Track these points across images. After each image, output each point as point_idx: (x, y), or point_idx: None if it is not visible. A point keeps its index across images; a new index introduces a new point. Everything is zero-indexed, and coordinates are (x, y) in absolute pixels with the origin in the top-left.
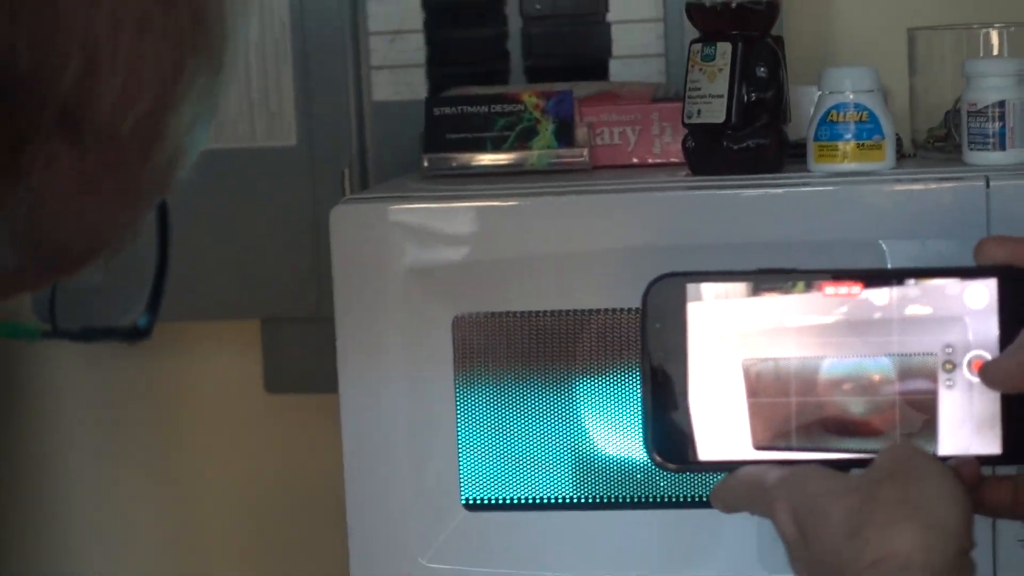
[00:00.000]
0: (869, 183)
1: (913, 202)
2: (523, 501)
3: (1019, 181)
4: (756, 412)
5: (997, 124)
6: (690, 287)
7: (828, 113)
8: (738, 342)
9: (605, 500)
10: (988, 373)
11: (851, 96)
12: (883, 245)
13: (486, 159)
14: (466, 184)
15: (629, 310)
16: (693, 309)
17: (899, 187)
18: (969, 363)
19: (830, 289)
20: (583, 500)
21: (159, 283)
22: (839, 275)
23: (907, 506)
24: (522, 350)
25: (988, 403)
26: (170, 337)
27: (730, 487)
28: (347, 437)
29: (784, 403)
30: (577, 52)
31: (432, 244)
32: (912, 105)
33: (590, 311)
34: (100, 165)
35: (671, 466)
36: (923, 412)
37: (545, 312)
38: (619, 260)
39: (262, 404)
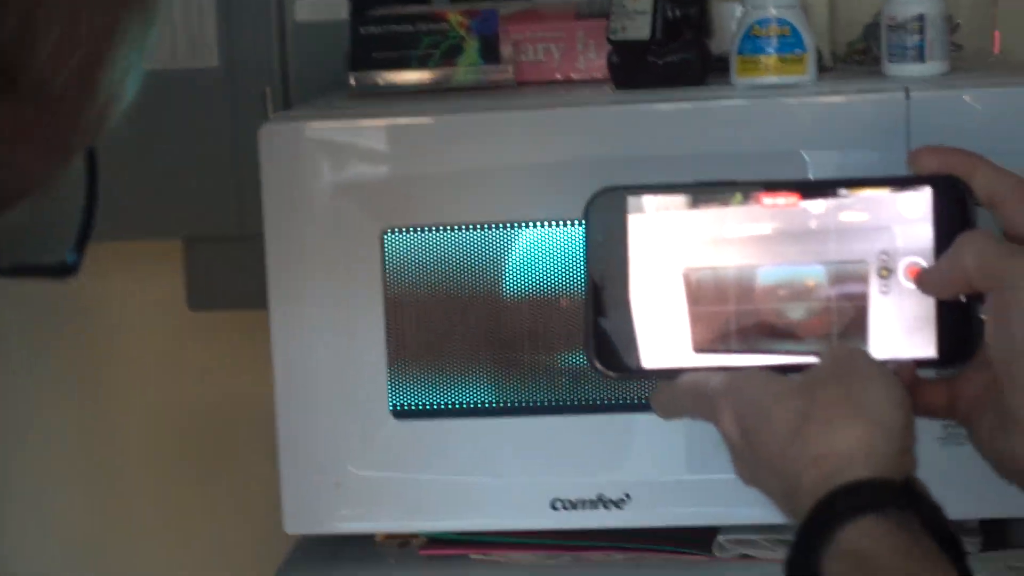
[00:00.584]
0: (791, 96)
1: (835, 114)
2: (449, 407)
3: (938, 92)
4: (696, 320)
5: (916, 37)
6: (631, 199)
7: (751, 28)
8: (678, 252)
9: (528, 406)
10: (923, 280)
11: (773, 11)
12: (805, 156)
13: (412, 77)
14: (393, 102)
15: (555, 222)
16: (634, 221)
17: (821, 99)
18: (904, 270)
19: (768, 200)
20: (507, 406)
21: (87, 222)
22: (776, 186)
23: (849, 404)
24: (449, 263)
25: (923, 309)
26: (92, 257)
27: (672, 393)
28: (277, 350)
29: (724, 311)
30: None
31: (360, 161)
32: (832, 19)
33: (515, 223)
34: (34, 116)
35: (613, 374)
36: (859, 318)
37: (471, 225)
38: (546, 174)
39: (186, 322)
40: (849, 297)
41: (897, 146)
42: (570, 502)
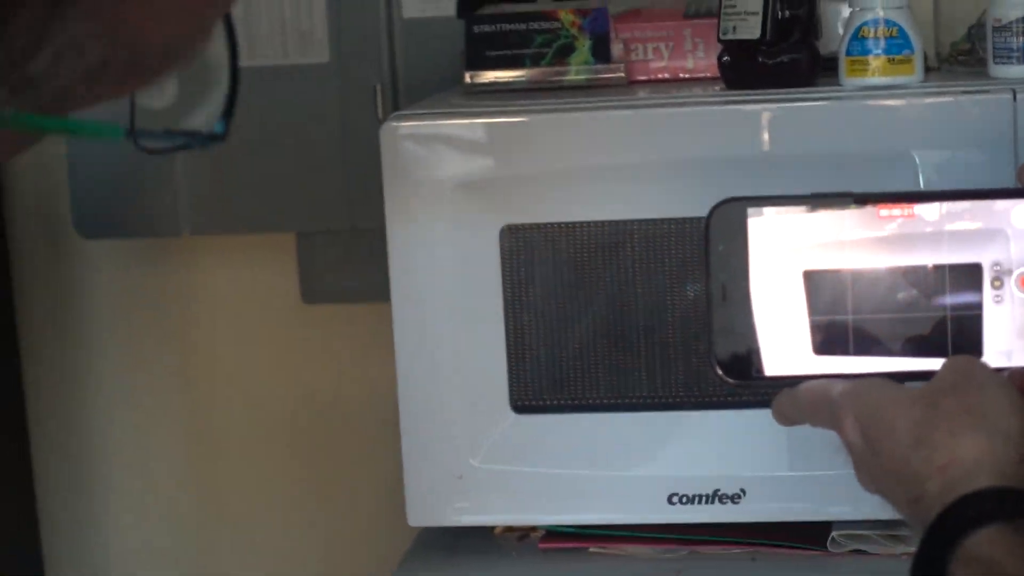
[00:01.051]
0: (899, 96)
1: (942, 114)
2: (568, 403)
3: None
4: (816, 327)
5: (1021, 39)
6: (751, 210)
7: (859, 29)
8: (798, 260)
9: (646, 402)
10: None
11: (881, 12)
12: (915, 156)
13: (526, 75)
14: (507, 100)
15: (669, 220)
16: (754, 231)
17: (928, 100)
18: (1017, 279)
19: (884, 211)
20: (625, 402)
21: (233, 89)
22: (893, 197)
23: (971, 415)
24: (567, 259)
25: None
26: (206, 249)
27: (793, 400)
28: (400, 345)
29: (842, 317)
30: None
31: (478, 158)
32: (936, 20)
33: (631, 221)
34: None
35: (734, 381)
36: (974, 325)
37: (587, 222)
38: (659, 173)
39: (299, 315)
40: (964, 305)
41: (1004, 147)
42: (687, 496)
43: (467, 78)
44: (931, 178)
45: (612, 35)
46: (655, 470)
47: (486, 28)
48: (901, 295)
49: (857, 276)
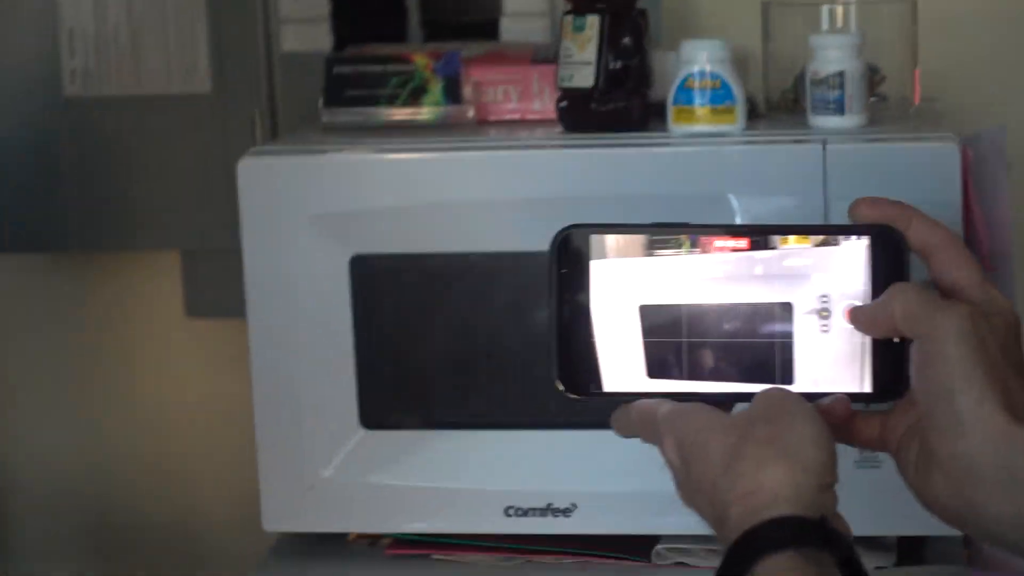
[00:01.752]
0: (720, 144)
1: (758, 161)
2: (414, 420)
3: (853, 145)
4: (650, 350)
5: (836, 92)
6: (594, 237)
7: (685, 80)
8: (636, 286)
9: (486, 421)
10: (857, 318)
11: (707, 66)
12: (732, 199)
13: (380, 114)
14: (361, 138)
15: (508, 253)
16: (596, 255)
17: (745, 148)
18: (843, 311)
19: (719, 242)
20: (467, 421)
21: None
22: (729, 230)
23: (776, 445)
24: (412, 287)
25: (859, 347)
26: (96, 267)
27: (627, 416)
28: (255, 362)
29: (675, 343)
30: (470, 9)
31: (328, 193)
32: (765, 69)
33: (472, 253)
34: None
35: (575, 397)
36: (801, 354)
37: (431, 254)
38: (499, 209)
39: (183, 328)
40: (789, 334)
41: (815, 193)
42: (522, 509)
43: (325, 116)
44: (746, 220)
45: (463, 78)
46: (493, 484)
47: (345, 69)
48: (726, 324)
49: (687, 306)
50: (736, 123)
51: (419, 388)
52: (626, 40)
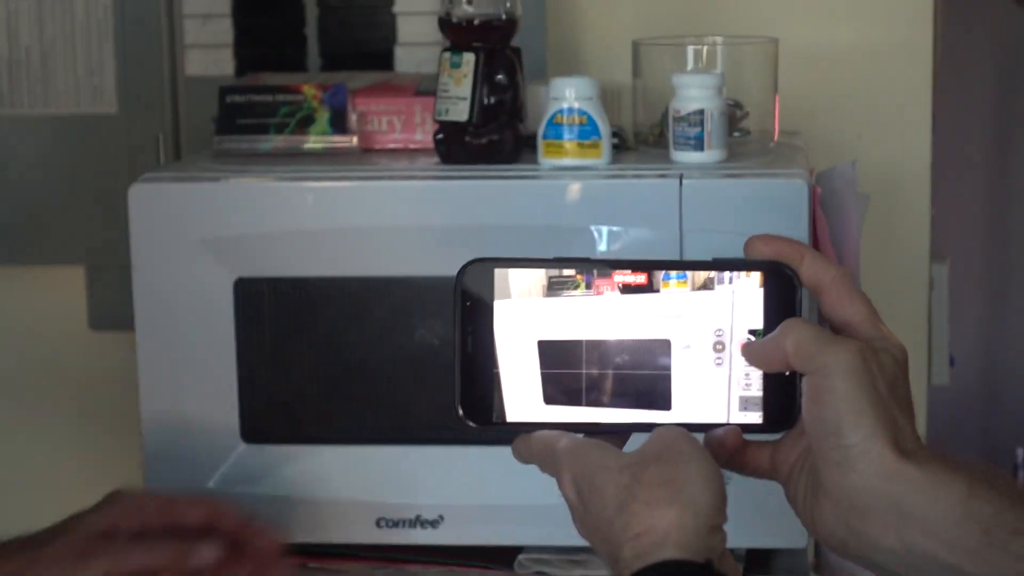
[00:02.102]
0: (585, 177)
1: (620, 194)
2: (292, 434)
3: (707, 180)
4: (548, 381)
5: (696, 129)
6: (497, 270)
7: (554, 116)
8: (535, 318)
9: (360, 436)
10: (748, 354)
11: (574, 103)
12: (594, 231)
13: (269, 142)
14: (250, 164)
15: (383, 278)
16: (499, 289)
17: (608, 181)
18: (737, 345)
19: (618, 276)
20: (342, 436)
21: None
22: (627, 265)
23: (668, 487)
24: (292, 309)
25: (751, 380)
26: (3, 278)
27: (526, 445)
28: (143, 378)
29: (573, 375)
30: (366, 39)
31: (215, 217)
32: (635, 105)
33: (350, 278)
34: None
35: (475, 425)
36: (695, 386)
37: (311, 278)
38: (375, 236)
39: (86, 340)
40: (688, 368)
41: (671, 226)
42: (392, 520)
43: (217, 143)
44: (607, 250)
45: (350, 108)
46: (365, 497)
47: (237, 98)
48: (629, 357)
49: (588, 338)
50: (602, 157)
51: (297, 404)
52: (500, 77)
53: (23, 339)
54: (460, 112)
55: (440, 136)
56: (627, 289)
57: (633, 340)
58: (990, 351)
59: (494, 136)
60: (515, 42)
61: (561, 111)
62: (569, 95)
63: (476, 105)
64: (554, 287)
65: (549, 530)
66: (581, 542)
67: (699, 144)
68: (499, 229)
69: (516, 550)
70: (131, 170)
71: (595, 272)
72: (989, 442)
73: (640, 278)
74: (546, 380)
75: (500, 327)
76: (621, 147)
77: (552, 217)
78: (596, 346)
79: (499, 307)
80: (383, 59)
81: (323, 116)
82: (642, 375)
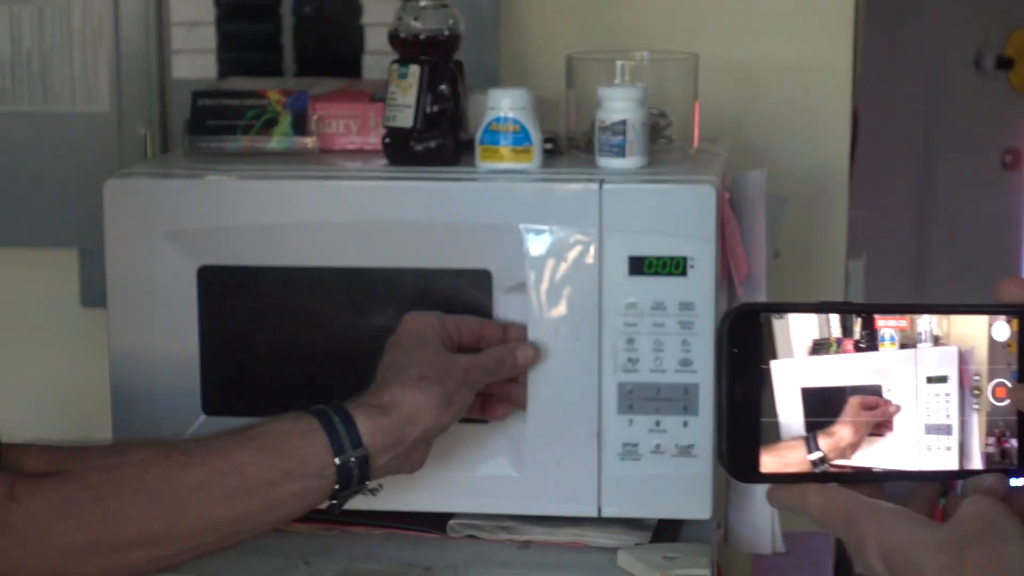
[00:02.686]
0: (516, 180)
1: (546, 196)
2: (250, 409)
3: (626, 185)
4: (815, 431)
5: (619, 137)
6: (763, 317)
7: (490, 124)
8: (801, 367)
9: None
10: (1012, 396)
11: (508, 112)
12: (522, 228)
13: (235, 143)
14: (218, 163)
15: (336, 269)
16: (767, 336)
17: (537, 184)
18: (993, 389)
19: (881, 321)
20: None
21: None
22: (891, 309)
23: (995, 569)
24: (252, 294)
25: (1010, 424)
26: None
27: (801, 495)
28: (113, 356)
29: (841, 423)
30: (337, 48)
31: (181, 211)
32: (568, 114)
33: (305, 268)
34: None
35: (742, 477)
36: (963, 432)
37: (269, 267)
38: (328, 229)
39: (78, 316)
40: (942, 413)
41: (592, 227)
42: None
43: (188, 142)
44: (533, 247)
45: (310, 113)
46: None
47: (208, 101)
48: (886, 402)
49: (859, 387)
50: (533, 162)
51: (254, 381)
52: (443, 87)
53: (21, 314)
54: (406, 119)
55: (388, 140)
56: (885, 332)
57: (902, 384)
58: None
59: (436, 141)
60: (461, 56)
61: (497, 119)
62: (504, 105)
63: (420, 113)
64: (818, 348)
65: (478, 499)
66: (509, 511)
67: (621, 151)
68: (439, 226)
69: (448, 516)
70: (121, 163)
71: (858, 318)
72: None
73: (903, 321)
74: (812, 430)
75: (766, 372)
76: (555, 152)
77: (485, 216)
78: (862, 394)
79: (767, 349)
80: (352, 66)
81: (286, 119)
82: (917, 423)
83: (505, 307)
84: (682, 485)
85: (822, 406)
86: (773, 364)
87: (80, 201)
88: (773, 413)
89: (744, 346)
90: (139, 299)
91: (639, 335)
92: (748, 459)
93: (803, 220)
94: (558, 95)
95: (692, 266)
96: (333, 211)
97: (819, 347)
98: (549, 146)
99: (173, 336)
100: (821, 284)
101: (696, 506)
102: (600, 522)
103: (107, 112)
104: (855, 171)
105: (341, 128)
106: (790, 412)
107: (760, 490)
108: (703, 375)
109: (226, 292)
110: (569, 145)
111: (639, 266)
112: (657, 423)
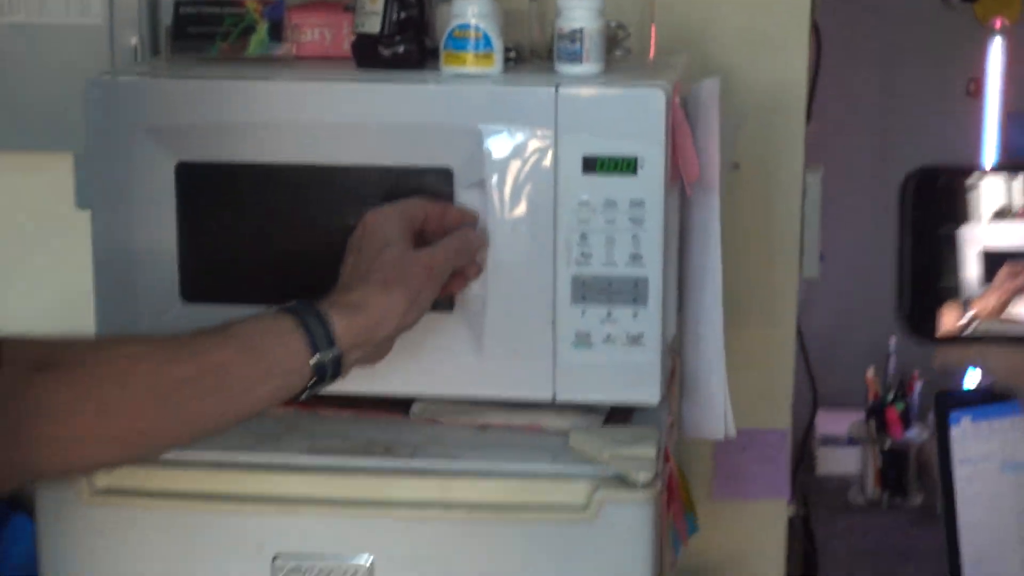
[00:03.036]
0: (477, 83)
1: (505, 99)
2: (224, 296)
3: (580, 89)
4: (974, 293)
5: (576, 45)
6: (944, 181)
7: (454, 30)
8: (979, 231)
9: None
10: None
11: (471, 19)
12: (481, 129)
13: (215, 48)
14: (197, 67)
15: (307, 166)
16: (948, 199)
17: (496, 87)
18: None
19: None
20: (276, 300)
21: None
22: None
23: None
24: (227, 188)
25: None
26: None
27: (979, 356)
28: (96, 245)
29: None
30: None
31: (161, 110)
32: (531, 24)
33: (276, 165)
34: None
35: (922, 335)
36: None
37: (243, 164)
38: (299, 128)
39: (72, 218)
40: None
41: (549, 126)
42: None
43: (170, 49)
44: (493, 147)
45: (286, 21)
46: None
47: (189, 10)
48: None
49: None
50: (494, 67)
51: (228, 270)
52: None
53: (19, 216)
54: (374, 25)
55: (357, 45)
56: None
57: None
58: (864, 250)
59: (403, 47)
60: None
61: (461, 26)
62: (468, 12)
63: (388, 19)
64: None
65: (441, 385)
66: (470, 394)
67: (577, 58)
68: (404, 126)
69: (411, 402)
70: (113, 69)
71: None
72: (865, 331)
73: None
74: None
75: (951, 238)
76: (518, 60)
77: (447, 117)
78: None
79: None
80: None
81: (263, 27)
82: None
83: (466, 203)
84: (632, 372)
85: (991, 269)
86: (953, 228)
87: (75, 107)
88: (951, 275)
89: (925, 209)
90: (119, 195)
91: (592, 231)
92: (927, 318)
93: (762, 134)
94: (524, 7)
95: (642, 166)
96: (304, 111)
97: (1000, 214)
98: (512, 55)
99: (153, 230)
100: (779, 195)
101: (645, 392)
102: (555, 407)
103: (99, 24)
104: (818, 87)
105: (316, 36)
106: (966, 274)
107: (713, 377)
108: (652, 269)
109: (203, 187)
110: (532, 55)
111: (592, 165)
112: (608, 314)
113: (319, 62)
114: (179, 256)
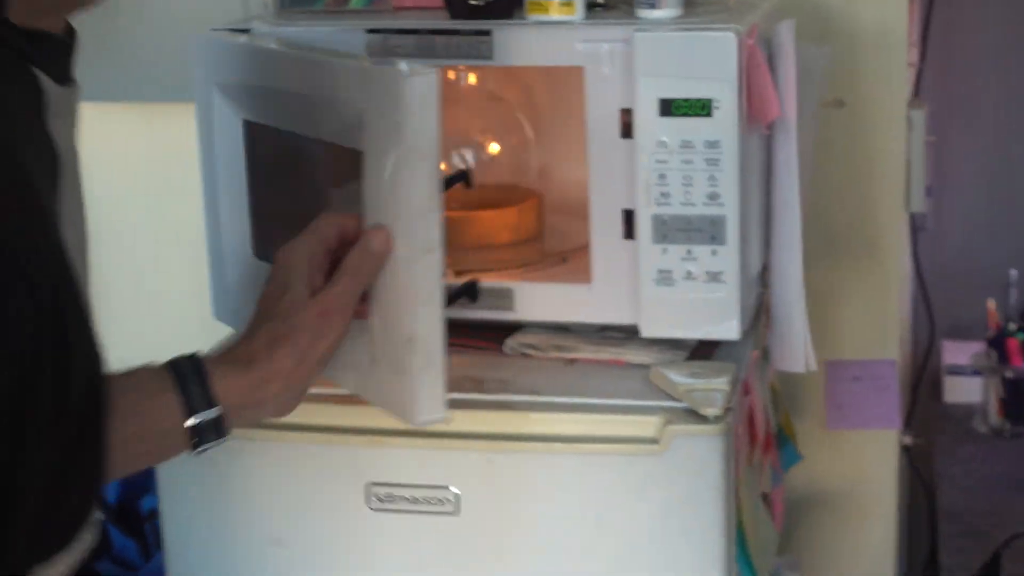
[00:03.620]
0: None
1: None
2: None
3: (656, 33)
4: None
5: None
6: None
7: None
8: None
9: None
10: None
11: None
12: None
13: (322, 2)
14: (299, 20)
15: None
16: None
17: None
18: None
19: None
20: None
21: None
22: None
23: None
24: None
25: None
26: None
27: None
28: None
29: None
30: None
31: (232, 68)
32: None
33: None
34: None
35: None
36: None
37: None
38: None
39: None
40: None
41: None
42: None
43: (278, 3)
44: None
45: None
46: None
47: None
48: None
49: None
50: (575, 14)
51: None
52: None
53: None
54: None
55: None
56: None
57: None
58: (980, 184)
59: None
60: None
61: None
62: None
63: None
64: None
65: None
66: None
67: (654, 3)
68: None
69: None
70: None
71: None
72: (982, 264)
73: None
74: None
75: None
76: (596, 6)
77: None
78: None
79: None
80: None
81: None
82: None
83: None
84: (712, 308)
85: None
86: None
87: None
88: None
89: None
90: (209, 148)
91: (670, 171)
92: None
93: (866, 70)
94: None
95: (716, 107)
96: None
97: None
98: (601, 1)
99: (231, 184)
100: (883, 131)
101: (725, 327)
102: (641, 342)
103: None
104: (931, 23)
105: None
106: None
107: (794, 311)
108: (729, 207)
109: (266, 143)
110: (620, 2)
111: (668, 108)
112: (688, 252)
113: (417, 12)
114: (251, 214)
